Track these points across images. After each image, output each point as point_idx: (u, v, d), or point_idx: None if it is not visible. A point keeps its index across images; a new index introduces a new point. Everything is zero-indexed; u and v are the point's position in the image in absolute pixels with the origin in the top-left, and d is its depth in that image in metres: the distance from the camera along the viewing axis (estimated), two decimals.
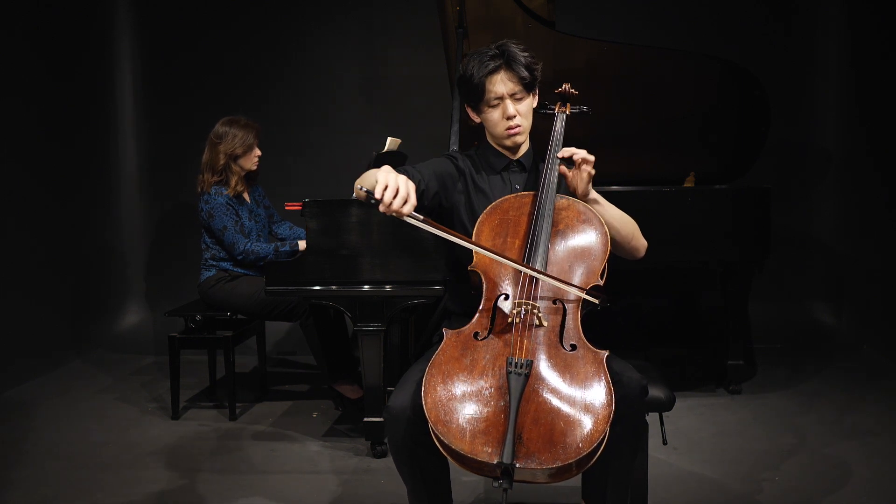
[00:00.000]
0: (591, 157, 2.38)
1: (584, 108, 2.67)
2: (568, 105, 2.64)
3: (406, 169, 2.45)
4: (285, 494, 3.20)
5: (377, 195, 2.07)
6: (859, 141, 5.23)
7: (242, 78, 5.56)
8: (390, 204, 2.07)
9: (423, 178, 2.45)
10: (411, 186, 2.12)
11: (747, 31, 5.36)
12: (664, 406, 2.44)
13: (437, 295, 3.44)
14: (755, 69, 4.38)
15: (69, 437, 3.88)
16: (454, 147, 3.78)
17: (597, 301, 2.20)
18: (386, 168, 2.16)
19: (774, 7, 5.37)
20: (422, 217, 2.13)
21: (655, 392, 2.41)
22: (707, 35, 5.27)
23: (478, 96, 2.45)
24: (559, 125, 2.54)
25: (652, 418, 2.54)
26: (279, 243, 4.12)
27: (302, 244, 4.04)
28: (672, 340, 5.27)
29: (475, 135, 4.15)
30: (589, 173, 2.38)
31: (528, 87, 2.45)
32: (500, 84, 2.42)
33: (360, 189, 2.13)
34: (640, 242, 2.53)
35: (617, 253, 2.50)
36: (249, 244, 4.09)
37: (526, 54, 2.44)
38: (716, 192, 4.19)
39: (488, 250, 2.25)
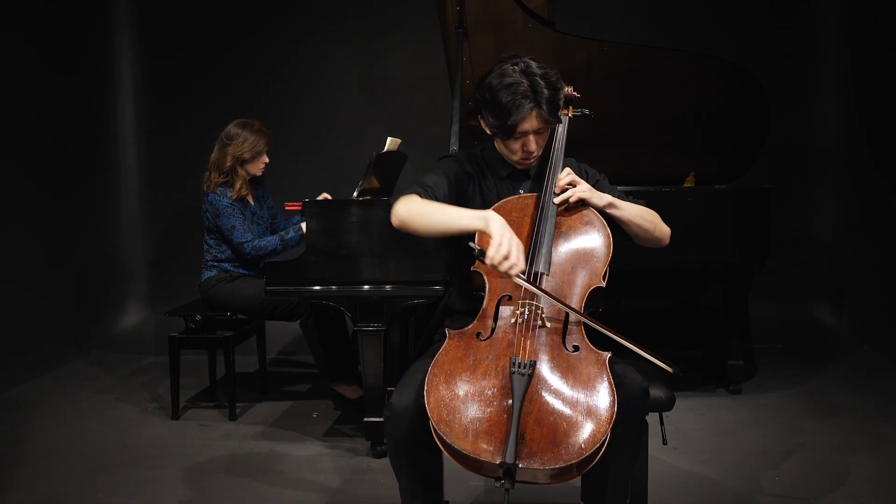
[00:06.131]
0: (582, 192, 2.37)
1: (587, 111, 2.67)
2: (570, 108, 2.63)
3: (426, 185, 2.40)
4: (285, 494, 3.20)
5: (489, 254, 2.12)
6: (859, 141, 5.23)
7: (242, 77, 5.56)
8: (498, 265, 2.12)
9: (445, 194, 2.42)
10: (521, 249, 2.16)
11: (747, 30, 5.36)
12: (664, 406, 2.44)
13: (437, 295, 3.44)
14: (755, 69, 4.38)
15: (69, 437, 3.88)
16: (454, 147, 3.77)
17: (671, 369, 2.18)
18: (501, 223, 2.18)
19: (774, 7, 5.37)
20: (525, 278, 2.18)
21: (655, 392, 2.41)
22: (707, 35, 5.27)
23: (506, 133, 2.38)
24: (561, 128, 2.54)
25: (652, 418, 2.54)
26: (283, 233, 4.11)
27: (305, 226, 4.02)
28: (672, 340, 5.27)
29: (475, 135, 4.15)
30: (585, 199, 2.38)
31: (552, 123, 2.42)
32: (528, 123, 2.36)
33: (472, 244, 2.18)
34: (664, 231, 2.51)
35: (644, 245, 2.49)
36: (257, 241, 4.09)
37: (555, 84, 2.37)
38: (716, 192, 4.19)
39: (590, 320, 2.22)
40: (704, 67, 4.32)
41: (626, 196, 2.51)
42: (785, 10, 5.36)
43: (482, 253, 2.14)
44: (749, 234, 4.12)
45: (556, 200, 2.38)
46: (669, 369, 2.18)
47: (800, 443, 3.63)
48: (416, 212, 2.29)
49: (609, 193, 2.47)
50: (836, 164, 5.38)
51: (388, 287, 3.46)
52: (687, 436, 3.73)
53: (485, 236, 2.22)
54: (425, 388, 2.10)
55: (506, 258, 2.13)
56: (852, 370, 4.75)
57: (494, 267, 2.13)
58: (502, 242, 2.14)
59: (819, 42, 5.38)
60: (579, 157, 2.63)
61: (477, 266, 2.32)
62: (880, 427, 3.81)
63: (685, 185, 4.39)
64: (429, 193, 2.36)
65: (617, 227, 2.44)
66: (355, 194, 3.69)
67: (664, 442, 2.56)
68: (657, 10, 5.37)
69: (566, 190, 2.39)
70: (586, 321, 2.22)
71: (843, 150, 5.34)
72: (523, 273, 2.17)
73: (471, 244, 2.20)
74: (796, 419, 3.94)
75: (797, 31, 5.37)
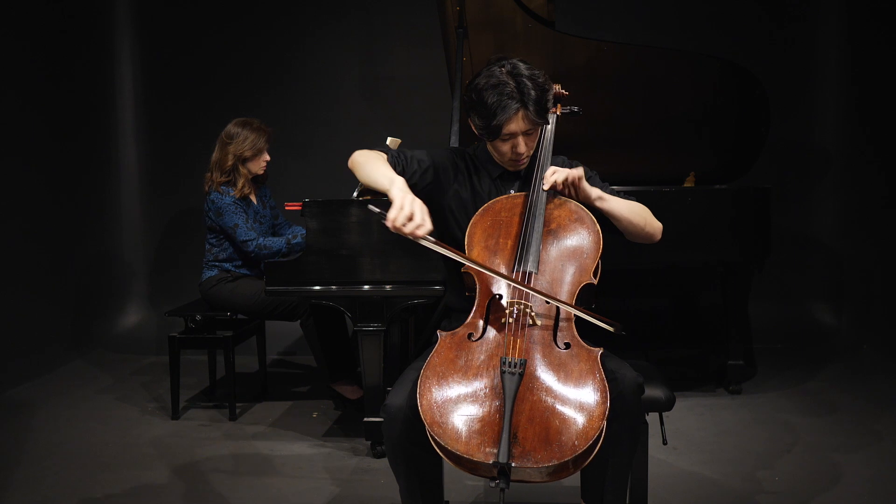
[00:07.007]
0: (574, 174, 2.36)
1: (575, 109, 2.67)
2: (558, 106, 2.64)
3: (404, 153, 2.44)
4: (285, 494, 3.20)
5: (389, 217, 2.12)
6: (859, 140, 5.23)
7: (243, 78, 5.56)
8: (402, 227, 2.12)
9: (420, 168, 2.45)
10: (425, 211, 2.17)
11: (747, 31, 5.36)
12: (664, 406, 2.44)
13: (437, 295, 3.44)
14: (755, 69, 4.38)
15: (69, 437, 3.88)
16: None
17: (612, 329, 2.17)
18: (402, 186, 2.19)
19: (774, 7, 5.37)
20: (433, 239, 2.17)
21: (655, 392, 2.41)
22: (707, 35, 5.27)
23: (492, 135, 2.39)
24: (549, 126, 2.54)
25: (652, 418, 2.55)
26: (290, 236, 4.11)
27: None
28: (672, 340, 5.27)
29: (475, 135, 4.15)
30: (577, 182, 2.37)
31: (540, 124, 2.42)
32: (515, 124, 2.35)
33: (372, 208, 2.17)
34: (655, 226, 2.51)
35: (636, 241, 2.49)
36: (262, 239, 4.09)
37: (542, 84, 2.35)
38: (716, 191, 4.19)
39: (497, 273, 2.23)
40: (704, 67, 4.32)
41: (616, 193, 2.50)
42: (785, 9, 5.37)
43: (383, 215, 2.14)
44: (749, 234, 4.12)
45: (545, 186, 2.37)
46: (610, 328, 2.17)
47: (799, 443, 3.63)
48: (364, 161, 2.36)
49: (601, 189, 2.47)
50: (836, 164, 5.38)
51: (388, 287, 3.46)
52: (687, 436, 3.73)
53: None
54: (418, 390, 2.10)
55: (410, 219, 2.13)
56: (852, 370, 4.75)
57: (398, 230, 2.13)
58: (404, 205, 2.14)
59: (819, 42, 5.38)
60: (579, 158, 2.63)
61: (467, 268, 2.32)
62: (880, 427, 3.81)
63: (685, 185, 4.39)
64: (397, 160, 2.40)
65: (610, 224, 2.44)
66: (355, 194, 3.69)
67: (664, 442, 2.56)
68: (657, 10, 5.37)
69: (554, 186, 2.38)
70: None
71: (843, 150, 5.34)
72: (431, 233, 2.17)
73: (370, 207, 2.19)
74: (796, 419, 3.94)
75: (797, 30, 5.37)
